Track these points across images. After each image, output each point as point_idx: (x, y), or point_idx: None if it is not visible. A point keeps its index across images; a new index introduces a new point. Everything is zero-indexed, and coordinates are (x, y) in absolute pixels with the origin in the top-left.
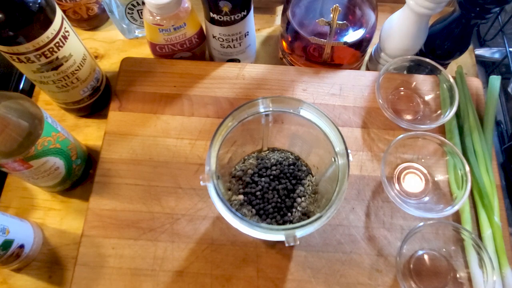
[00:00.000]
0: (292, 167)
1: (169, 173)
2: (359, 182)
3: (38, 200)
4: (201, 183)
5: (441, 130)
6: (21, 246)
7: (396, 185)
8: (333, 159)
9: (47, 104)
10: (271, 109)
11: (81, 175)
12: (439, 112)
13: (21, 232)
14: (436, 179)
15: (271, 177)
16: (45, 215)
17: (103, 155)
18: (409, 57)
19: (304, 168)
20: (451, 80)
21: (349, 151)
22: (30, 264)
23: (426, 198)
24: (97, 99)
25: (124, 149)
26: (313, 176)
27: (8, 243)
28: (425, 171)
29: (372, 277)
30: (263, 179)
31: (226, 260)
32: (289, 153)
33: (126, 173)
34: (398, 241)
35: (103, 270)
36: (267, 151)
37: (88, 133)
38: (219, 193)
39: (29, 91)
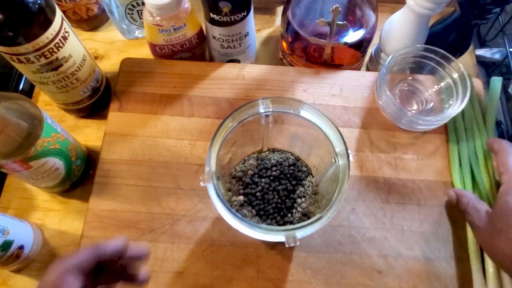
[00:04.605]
0: (292, 167)
1: (169, 174)
2: (359, 182)
3: (38, 201)
4: (201, 183)
5: (442, 130)
6: (21, 247)
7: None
8: (333, 160)
9: (47, 105)
10: (271, 109)
11: (80, 176)
12: (441, 109)
13: (21, 233)
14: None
15: (271, 177)
16: (44, 216)
17: (103, 156)
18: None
19: (304, 168)
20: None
21: (349, 151)
22: (30, 265)
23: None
24: (97, 100)
25: (124, 150)
26: (313, 177)
27: (7, 244)
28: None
29: (372, 278)
30: (263, 179)
31: (226, 261)
32: (289, 153)
33: (126, 173)
34: (399, 242)
35: None
36: (267, 152)
37: (88, 133)
38: (219, 193)
39: (28, 91)
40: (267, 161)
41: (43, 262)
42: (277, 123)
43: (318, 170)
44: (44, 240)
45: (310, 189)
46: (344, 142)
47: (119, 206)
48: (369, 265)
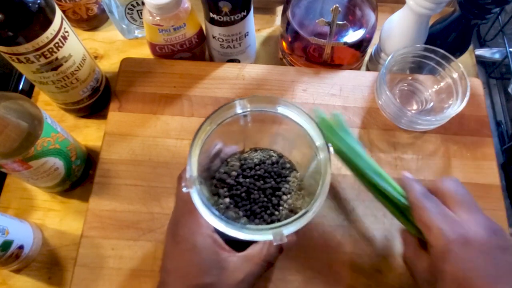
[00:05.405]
0: (275, 165)
1: (169, 174)
2: (359, 182)
3: (38, 201)
4: (184, 189)
5: (441, 130)
6: (21, 247)
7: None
8: (314, 154)
9: (47, 105)
10: (248, 109)
11: (80, 176)
12: (441, 109)
13: (21, 232)
14: None
15: (256, 177)
16: (44, 216)
17: (102, 156)
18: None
19: (288, 165)
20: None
21: (329, 144)
22: (30, 265)
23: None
24: (97, 100)
25: (123, 150)
26: (297, 173)
27: (7, 244)
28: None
29: (372, 278)
30: (247, 179)
31: None
32: (271, 151)
33: (126, 173)
34: (398, 242)
35: (103, 271)
36: (249, 151)
37: (88, 133)
38: (203, 199)
39: (28, 91)
40: (250, 161)
41: (43, 262)
42: (256, 122)
43: (302, 166)
44: (44, 240)
45: (295, 185)
46: (324, 136)
47: (119, 206)
48: (369, 265)
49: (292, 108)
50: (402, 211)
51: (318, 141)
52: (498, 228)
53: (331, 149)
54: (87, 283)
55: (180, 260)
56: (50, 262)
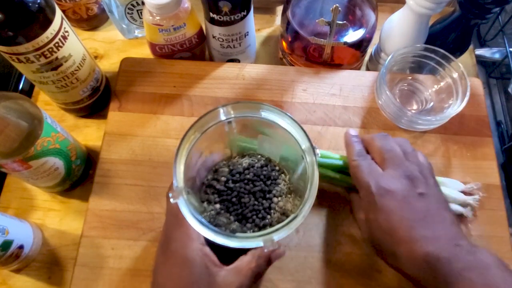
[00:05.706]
0: (265, 168)
1: (169, 174)
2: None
3: (38, 201)
4: (171, 200)
5: (441, 130)
6: (21, 247)
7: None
8: (301, 157)
9: (47, 104)
10: (232, 116)
11: (80, 176)
12: (441, 109)
13: (21, 232)
14: None
15: (245, 181)
16: (44, 216)
17: (102, 156)
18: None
19: (276, 168)
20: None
21: (315, 146)
22: (30, 265)
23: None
24: (97, 100)
25: (123, 150)
26: (286, 176)
27: (7, 244)
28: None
29: (372, 278)
30: (237, 184)
31: None
32: (259, 155)
33: (126, 173)
34: None
35: (103, 271)
36: (237, 157)
37: (88, 133)
38: (191, 208)
39: (28, 91)
40: (238, 166)
41: (42, 262)
42: (242, 127)
43: (290, 169)
44: (44, 240)
45: (285, 187)
46: (309, 139)
47: (119, 206)
48: (369, 265)
49: (276, 112)
50: (347, 173)
51: (304, 144)
52: (418, 177)
53: (318, 151)
54: (87, 283)
55: (171, 275)
56: (50, 262)
